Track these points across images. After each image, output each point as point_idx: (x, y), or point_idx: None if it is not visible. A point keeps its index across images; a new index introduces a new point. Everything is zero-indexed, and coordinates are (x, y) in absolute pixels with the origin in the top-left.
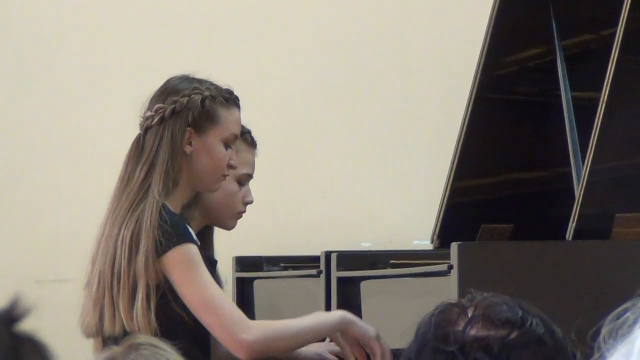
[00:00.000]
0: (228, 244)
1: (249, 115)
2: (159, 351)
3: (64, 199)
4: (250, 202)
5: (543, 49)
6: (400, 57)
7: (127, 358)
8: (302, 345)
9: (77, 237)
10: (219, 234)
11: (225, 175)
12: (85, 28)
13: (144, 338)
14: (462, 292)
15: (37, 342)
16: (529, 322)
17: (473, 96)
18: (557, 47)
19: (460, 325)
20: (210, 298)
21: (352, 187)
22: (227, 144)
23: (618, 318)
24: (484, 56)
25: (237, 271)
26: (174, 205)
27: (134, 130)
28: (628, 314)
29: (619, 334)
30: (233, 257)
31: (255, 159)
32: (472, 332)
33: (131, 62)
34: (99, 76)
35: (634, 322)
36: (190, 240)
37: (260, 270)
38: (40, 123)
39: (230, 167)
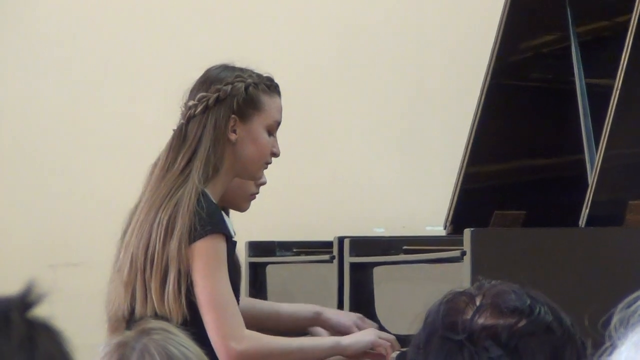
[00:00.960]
0: (241, 229)
1: None
2: (170, 336)
3: (77, 184)
4: (263, 184)
5: (557, 36)
6: (415, 42)
7: (138, 342)
8: None
9: (90, 221)
10: (231, 219)
11: (268, 163)
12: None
13: (155, 323)
14: (474, 279)
15: (52, 328)
16: (537, 311)
17: (487, 82)
18: (571, 33)
19: (469, 314)
20: (217, 298)
21: (365, 172)
22: (270, 131)
23: (629, 306)
24: (498, 42)
25: (250, 256)
26: (214, 192)
27: (149, 118)
28: (639, 302)
29: (630, 323)
30: (246, 242)
31: None
32: (481, 320)
33: (147, 53)
34: (115, 64)
35: None
36: (224, 231)
37: (273, 255)
38: (55, 110)
39: (274, 154)
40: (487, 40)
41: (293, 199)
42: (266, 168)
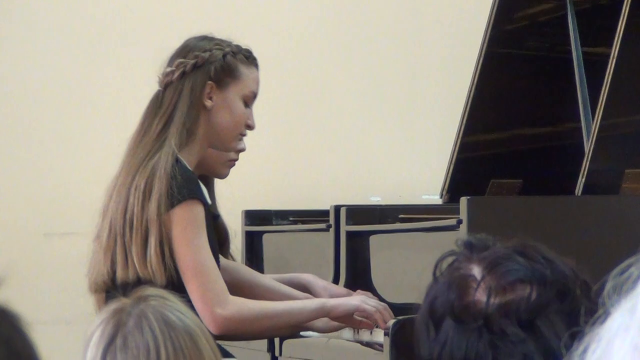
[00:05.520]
0: (237, 198)
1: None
2: (167, 302)
3: (71, 153)
4: (243, 150)
5: (553, 4)
6: (410, 11)
7: (135, 308)
8: (277, 329)
9: (85, 190)
10: (228, 188)
11: (242, 135)
12: None
13: (152, 290)
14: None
15: (9, 312)
16: (541, 276)
17: (483, 51)
18: (567, 1)
19: (477, 297)
20: (199, 264)
21: (361, 141)
22: (246, 102)
23: (622, 273)
24: (494, 11)
25: (246, 225)
26: (189, 159)
27: (143, 88)
28: (632, 269)
29: (623, 290)
30: (242, 211)
31: (264, 113)
32: (495, 304)
33: (139, 21)
34: (107, 36)
35: (638, 277)
36: (199, 197)
37: (270, 224)
38: (47, 79)
39: (248, 126)
40: (484, 8)
41: (289, 167)
42: (241, 139)
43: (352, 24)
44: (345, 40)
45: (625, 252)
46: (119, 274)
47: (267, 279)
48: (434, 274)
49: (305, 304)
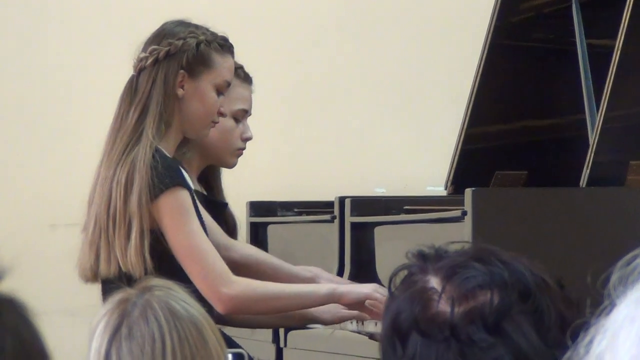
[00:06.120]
0: (242, 189)
1: (265, 62)
2: (172, 292)
3: (76, 144)
4: (250, 139)
5: None
6: (415, 3)
7: (140, 299)
8: (285, 311)
9: (90, 181)
10: (233, 179)
11: (214, 122)
12: None
13: (158, 280)
14: (476, 238)
15: (17, 302)
16: (501, 280)
17: (488, 43)
18: None
19: (441, 308)
20: (197, 248)
21: (366, 133)
22: (219, 91)
23: (627, 265)
24: (499, 2)
25: (251, 216)
26: (167, 148)
27: None
28: (638, 260)
29: (629, 281)
30: (247, 202)
31: (270, 104)
32: (459, 310)
33: (130, 9)
34: (108, 26)
35: None
36: (182, 183)
37: (275, 215)
38: (50, 72)
39: (221, 114)
40: (488, 0)
41: (294, 159)
42: (213, 127)
43: (358, 17)
44: (349, 34)
45: (631, 244)
46: (102, 268)
47: (276, 259)
48: (389, 289)
49: (315, 288)
